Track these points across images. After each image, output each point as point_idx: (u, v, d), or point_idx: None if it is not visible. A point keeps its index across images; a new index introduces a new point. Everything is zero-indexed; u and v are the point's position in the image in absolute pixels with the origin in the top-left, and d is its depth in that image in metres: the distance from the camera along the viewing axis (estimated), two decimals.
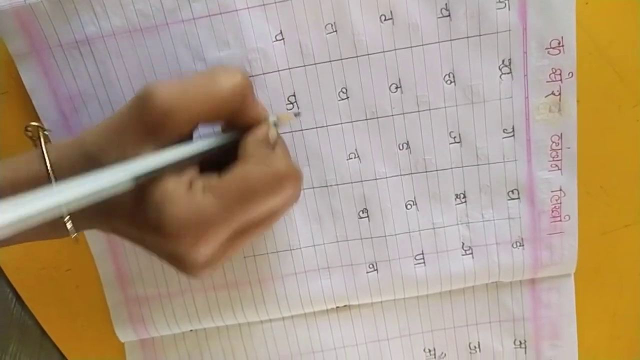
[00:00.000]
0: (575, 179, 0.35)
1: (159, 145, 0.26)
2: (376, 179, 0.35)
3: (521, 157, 0.35)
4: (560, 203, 0.36)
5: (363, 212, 0.36)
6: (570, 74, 0.33)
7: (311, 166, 0.35)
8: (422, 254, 0.37)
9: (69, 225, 0.29)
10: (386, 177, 0.35)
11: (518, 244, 0.37)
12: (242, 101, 0.28)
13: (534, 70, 0.33)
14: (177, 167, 0.26)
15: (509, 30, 0.32)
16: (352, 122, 0.34)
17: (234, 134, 0.29)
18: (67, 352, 0.40)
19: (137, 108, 0.26)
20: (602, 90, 0.34)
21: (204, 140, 0.28)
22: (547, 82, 0.33)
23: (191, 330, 0.39)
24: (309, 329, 0.39)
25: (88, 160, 0.27)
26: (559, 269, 0.37)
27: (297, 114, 0.34)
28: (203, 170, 0.28)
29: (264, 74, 0.33)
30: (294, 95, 0.34)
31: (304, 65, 0.33)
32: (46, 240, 0.32)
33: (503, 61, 0.33)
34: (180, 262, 0.27)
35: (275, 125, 0.30)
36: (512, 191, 0.36)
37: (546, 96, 0.33)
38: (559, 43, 0.32)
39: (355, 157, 0.35)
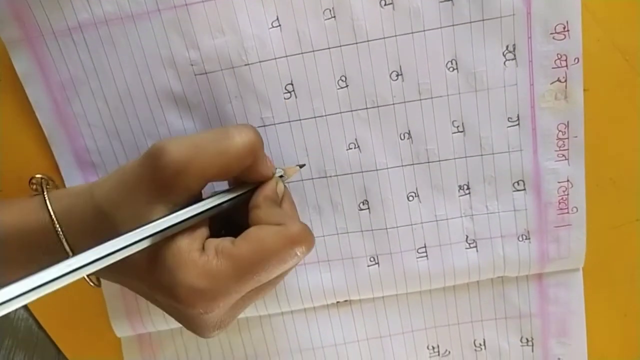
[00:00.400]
0: (583, 170, 0.34)
1: (171, 202, 0.27)
2: (377, 170, 0.34)
3: (527, 146, 0.34)
4: (568, 194, 0.34)
5: (363, 204, 0.35)
6: (576, 60, 0.32)
7: (310, 156, 0.34)
8: (425, 247, 0.36)
9: (89, 282, 0.30)
10: (387, 168, 0.34)
11: (524, 237, 0.35)
12: (254, 158, 0.28)
13: (539, 56, 0.32)
14: (189, 227, 0.27)
15: (513, 14, 0.31)
16: (351, 111, 0.34)
17: (244, 190, 0.29)
18: (63, 347, 0.40)
19: (148, 166, 0.26)
20: (612, 79, 0.34)
21: (215, 198, 0.28)
22: (552, 68, 0.32)
23: None
24: (308, 325, 0.39)
25: (99, 214, 0.28)
26: (567, 263, 0.36)
27: (302, 166, 0.34)
28: (212, 224, 0.29)
29: (260, 62, 0.32)
30: (292, 84, 0.33)
31: (302, 53, 0.32)
32: None
33: (507, 47, 0.32)
34: (191, 324, 0.28)
35: (282, 177, 0.31)
36: (518, 182, 0.35)
37: (552, 83, 0.32)
38: (564, 28, 0.31)
39: (355, 147, 0.34)
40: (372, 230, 0.36)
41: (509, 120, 0.33)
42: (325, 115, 0.34)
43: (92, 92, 0.33)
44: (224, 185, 0.32)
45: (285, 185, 0.31)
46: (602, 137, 0.34)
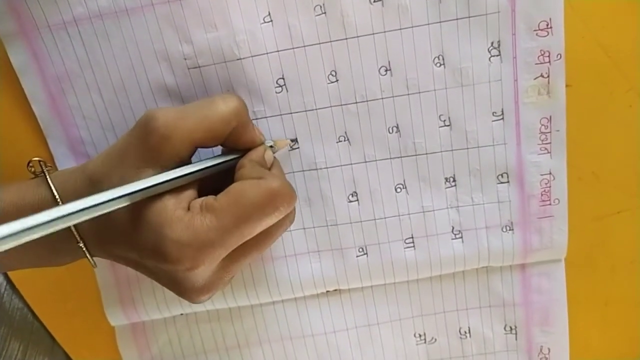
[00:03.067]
0: (565, 163, 0.35)
1: (159, 166, 0.28)
2: (366, 162, 0.35)
3: (510, 140, 0.35)
4: (550, 187, 0.35)
5: (352, 196, 0.36)
6: (559, 56, 0.33)
7: (301, 149, 0.35)
8: (412, 237, 0.37)
9: (81, 245, 0.30)
10: (375, 160, 0.35)
11: (507, 228, 0.36)
12: (238, 124, 0.29)
13: (523, 52, 0.33)
14: (176, 189, 0.28)
15: (498, 12, 0.32)
16: (341, 105, 0.34)
17: (232, 156, 0.31)
18: (58, 336, 0.40)
19: (138, 132, 0.27)
20: (594, 75, 0.34)
21: (201, 162, 0.29)
22: (535, 64, 0.33)
23: (181, 314, 0.40)
24: (299, 314, 0.40)
25: (91, 184, 0.29)
26: (549, 254, 0.37)
27: (293, 141, 0.35)
28: (201, 194, 0.29)
29: (252, 56, 0.33)
30: (283, 78, 0.34)
31: (293, 48, 0.33)
32: None
33: (492, 43, 0.33)
34: (179, 285, 0.28)
35: (272, 148, 0.32)
36: (502, 175, 0.35)
37: (535, 78, 0.33)
38: (547, 25, 0.32)
39: (344, 140, 0.35)
40: (360, 221, 0.36)
41: (493, 115, 0.34)
42: (316, 109, 0.34)
43: (87, 85, 0.34)
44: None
45: (274, 156, 0.32)
46: (584, 132, 0.35)
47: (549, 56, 0.33)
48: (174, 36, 0.32)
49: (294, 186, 0.36)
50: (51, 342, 0.41)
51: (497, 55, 0.33)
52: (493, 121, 0.34)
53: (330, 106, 0.34)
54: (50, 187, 0.29)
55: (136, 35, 0.32)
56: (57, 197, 0.29)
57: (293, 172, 0.36)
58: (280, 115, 0.34)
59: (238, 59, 0.33)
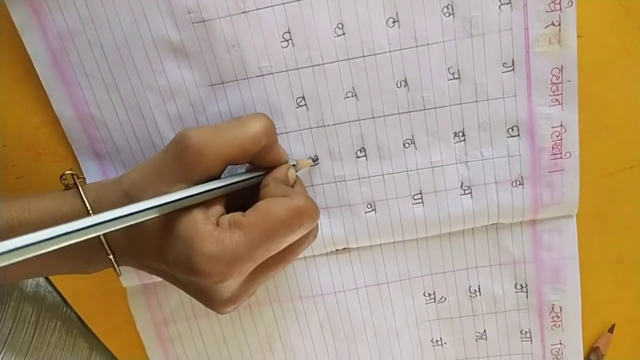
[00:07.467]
0: (576, 114, 0.34)
1: (192, 182, 0.29)
2: (374, 118, 0.35)
3: (521, 92, 0.34)
4: (561, 139, 0.35)
5: (361, 152, 0.36)
6: (570, 3, 0.32)
7: (308, 106, 0.35)
8: (421, 193, 0.36)
9: (111, 257, 0.31)
10: (384, 116, 0.35)
11: (518, 183, 0.36)
12: (267, 143, 0.30)
13: None
14: (205, 205, 0.29)
15: None
16: (349, 59, 0.34)
17: (257, 173, 0.32)
18: (70, 298, 0.41)
19: (174, 149, 0.29)
20: (606, 25, 0.34)
21: (229, 178, 0.30)
22: (546, 11, 0.32)
23: None
24: (308, 273, 0.40)
25: (127, 198, 0.30)
26: (560, 209, 0.37)
27: (315, 161, 0.35)
28: (227, 210, 0.30)
29: (257, 9, 0.32)
30: (289, 32, 0.33)
31: (299, 0, 0.32)
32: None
33: None
34: (207, 298, 0.30)
35: (294, 167, 0.33)
36: (512, 128, 0.35)
37: (546, 27, 0.32)
38: None
39: (352, 96, 0.35)
40: (369, 177, 0.36)
41: (504, 66, 0.34)
42: (323, 64, 0.34)
43: (89, 42, 0.33)
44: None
45: (297, 175, 0.33)
46: (596, 85, 0.34)
47: (559, 3, 0.32)
48: None
49: (302, 144, 0.35)
50: (64, 304, 0.41)
51: (508, 3, 0.32)
52: (503, 72, 0.34)
53: (338, 61, 0.34)
54: (83, 199, 0.31)
55: None
56: (88, 207, 0.30)
57: (300, 130, 0.35)
58: (287, 71, 0.34)
59: (243, 12, 0.32)
